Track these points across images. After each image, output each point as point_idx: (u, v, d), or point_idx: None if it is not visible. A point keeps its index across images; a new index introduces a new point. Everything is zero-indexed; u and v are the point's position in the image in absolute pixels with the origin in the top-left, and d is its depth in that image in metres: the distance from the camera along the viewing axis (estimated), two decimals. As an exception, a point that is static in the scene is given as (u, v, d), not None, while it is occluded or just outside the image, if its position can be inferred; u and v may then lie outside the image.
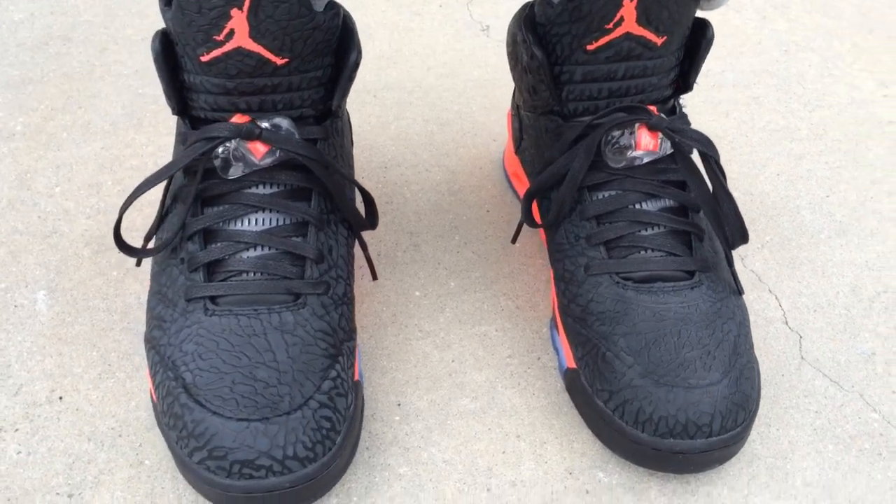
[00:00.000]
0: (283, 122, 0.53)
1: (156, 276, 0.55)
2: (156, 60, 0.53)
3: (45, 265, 0.64)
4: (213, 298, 0.52)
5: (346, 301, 0.54)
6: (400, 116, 0.80)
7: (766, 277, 0.67)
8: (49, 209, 0.68)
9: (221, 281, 0.52)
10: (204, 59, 0.51)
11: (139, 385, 0.56)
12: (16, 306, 0.61)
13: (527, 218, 0.59)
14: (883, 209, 0.74)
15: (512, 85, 0.84)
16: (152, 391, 0.52)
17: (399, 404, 0.57)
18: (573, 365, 0.56)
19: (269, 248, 0.53)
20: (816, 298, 0.66)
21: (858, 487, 0.54)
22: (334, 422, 0.49)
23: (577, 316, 0.56)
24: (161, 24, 0.88)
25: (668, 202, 0.56)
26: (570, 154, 0.56)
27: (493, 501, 0.52)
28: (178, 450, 0.49)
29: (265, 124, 0.53)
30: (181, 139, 0.55)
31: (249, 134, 0.51)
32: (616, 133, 0.55)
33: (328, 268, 0.53)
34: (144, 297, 0.62)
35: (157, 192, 0.69)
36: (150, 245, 0.57)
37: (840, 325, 0.64)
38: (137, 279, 0.63)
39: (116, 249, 0.65)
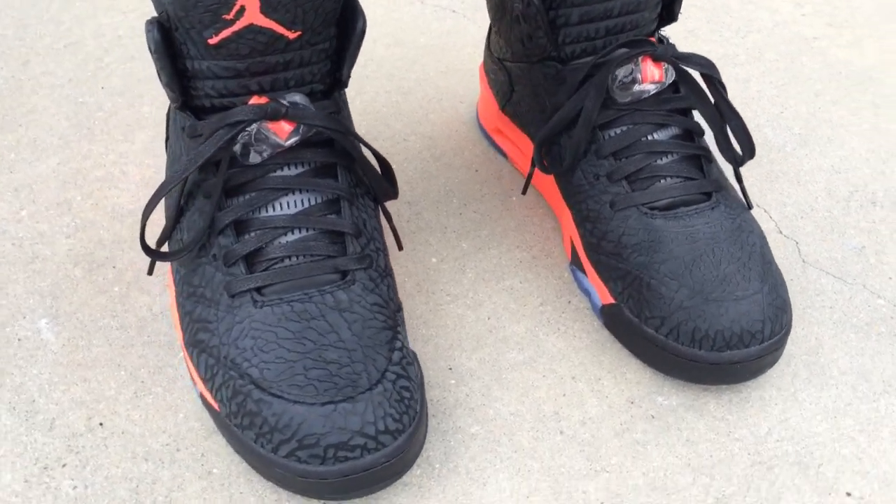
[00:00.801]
0: (299, 99, 0.51)
1: (185, 279, 0.52)
2: (155, 51, 0.50)
3: (37, 292, 0.59)
4: (258, 289, 0.50)
5: (389, 273, 0.53)
6: (361, 91, 0.79)
7: (751, 193, 0.70)
8: (22, 234, 0.63)
9: (264, 270, 0.50)
10: (212, 41, 0.49)
11: (181, 396, 0.54)
12: (20, 339, 0.56)
13: (541, 165, 0.60)
14: (832, 117, 0.79)
15: (465, 45, 0.84)
16: (208, 397, 0.50)
17: (450, 368, 0.56)
18: (610, 300, 0.57)
19: (307, 230, 0.51)
20: (800, 206, 0.70)
21: (888, 367, 0.58)
22: (412, 391, 0.48)
23: (610, 252, 0.57)
24: (81, 26, 0.83)
25: (676, 130, 0.58)
26: (580, 96, 0.57)
27: (569, 442, 0.53)
28: (259, 448, 0.47)
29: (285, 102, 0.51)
30: (189, 132, 0.52)
31: (275, 113, 0.49)
32: (621, 69, 0.56)
33: (367, 241, 0.52)
34: (157, 308, 0.59)
35: (130, 198, 0.66)
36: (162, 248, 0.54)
37: (827, 226, 0.68)
38: (143, 290, 0.60)
39: (110, 265, 0.61)
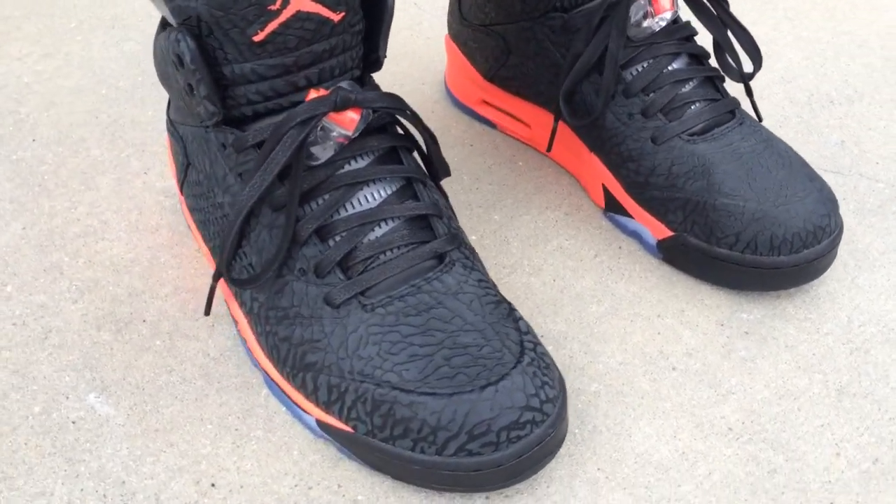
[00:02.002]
0: (347, 86, 0.48)
1: (268, 304, 0.47)
2: (192, 60, 0.45)
3: (69, 368, 0.52)
4: (362, 292, 0.46)
5: (473, 248, 0.51)
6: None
7: (729, 115, 0.73)
8: (19, 312, 0.55)
9: (364, 272, 0.46)
10: (258, 37, 0.44)
11: (286, 433, 0.49)
12: (74, 422, 0.49)
13: (570, 118, 0.59)
14: (758, 34, 0.83)
15: (401, 29, 0.82)
16: (334, 421, 0.46)
17: (542, 336, 0.55)
18: (667, 234, 0.57)
19: (393, 220, 0.47)
20: (773, 118, 0.73)
21: (917, 238, 0.62)
22: (548, 356, 0.46)
23: (662, 186, 0.57)
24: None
25: (687, 57, 0.59)
26: (599, 39, 0.57)
27: (683, 377, 0.52)
28: (418, 455, 0.43)
29: (341, 91, 0.47)
30: (237, 146, 0.47)
31: (345, 102, 0.45)
32: (633, 6, 0.57)
33: (448, 220, 0.50)
34: (213, 351, 0.53)
35: (125, 246, 0.59)
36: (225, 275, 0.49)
37: (804, 130, 0.72)
38: (189, 337, 0.54)
39: (138, 320, 0.54)
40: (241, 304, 0.50)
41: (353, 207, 0.47)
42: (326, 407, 0.46)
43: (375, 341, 0.45)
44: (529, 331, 0.47)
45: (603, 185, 0.62)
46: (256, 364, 0.51)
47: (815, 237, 0.54)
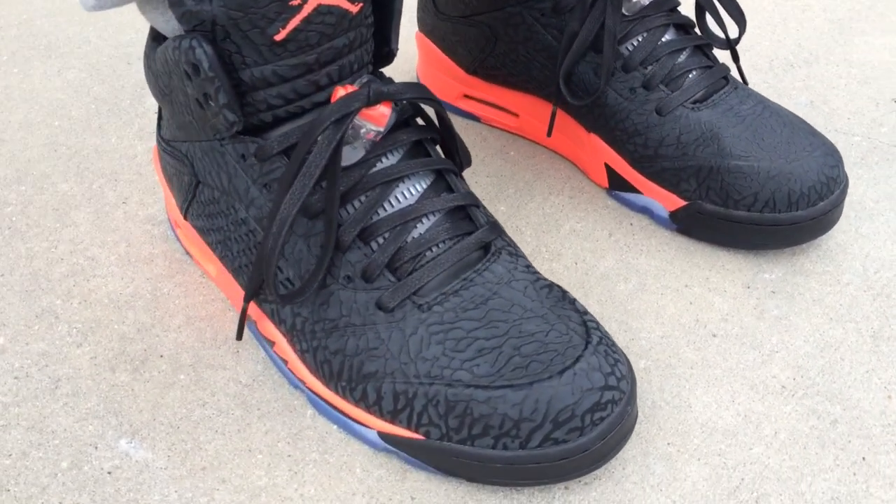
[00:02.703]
0: (368, 80, 0.46)
1: (313, 318, 0.45)
2: (212, 67, 0.42)
3: (91, 416, 0.47)
4: (415, 292, 0.44)
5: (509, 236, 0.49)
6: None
7: (700, 86, 0.74)
8: (18, 364, 0.50)
9: (414, 271, 0.44)
10: (279, 36, 0.42)
11: (344, 451, 0.46)
12: (110, 472, 0.45)
13: (572, 98, 0.59)
14: (711, 8, 0.85)
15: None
16: (401, 430, 0.43)
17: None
18: (680, 204, 0.57)
19: (434, 214, 0.46)
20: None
21: (905, 184, 0.64)
22: (608, 333, 0.45)
23: (672, 156, 0.57)
24: None
25: (675, 27, 0.60)
26: (594, 17, 0.56)
27: (725, 342, 0.52)
28: (500, 452, 0.41)
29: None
30: (260, 155, 0.44)
31: (378, 96, 0.43)
32: (624, -20, 0.57)
33: (481, 209, 0.48)
34: (244, 377, 0.49)
35: (120, 281, 0.55)
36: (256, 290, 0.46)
37: (774, 93, 0.74)
38: (216, 366, 0.50)
39: (154, 356, 0.51)
40: (279, 323, 0.47)
41: (392, 206, 0.45)
42: (392, 416, 0.43)
43: (438, 340, 0.43)
44: (587, 311, 0.45)
45: (606, 164, 0.61)
46: (298, 384, 0.48)
47: (828, 188, 0.55)
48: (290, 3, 0.41)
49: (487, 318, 0.43)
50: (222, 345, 0.51)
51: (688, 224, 0.58)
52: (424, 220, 0.45)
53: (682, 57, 0.58)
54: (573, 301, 0.46)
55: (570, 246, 0.59)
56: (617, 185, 0.61)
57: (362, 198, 0.45)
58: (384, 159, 0.46)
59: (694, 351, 0.52)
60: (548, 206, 0.62)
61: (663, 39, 0.58)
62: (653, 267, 0.57)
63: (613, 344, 0.44)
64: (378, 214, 0.45)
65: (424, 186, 0.46)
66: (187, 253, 0.57)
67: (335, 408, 0.46)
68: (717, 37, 0.62)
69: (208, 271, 0.54)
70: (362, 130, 0.44)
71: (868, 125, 0.70)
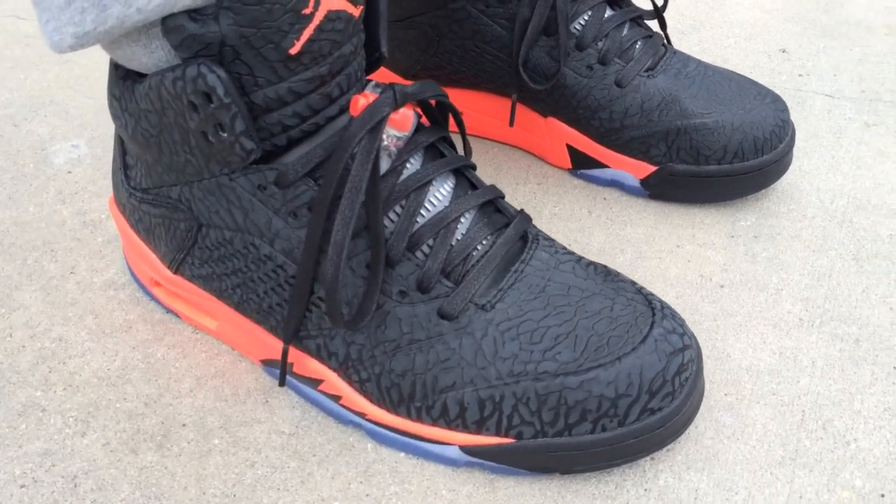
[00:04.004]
0: (386, 85, 0.44)
1: (371, 342, 0.42)
2: (227, 92, 0.38)
3: (127, 503, 0.42)
4: (475, 293, 0.42)
5: (530, 225, 0.49)
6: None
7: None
8: (19, 470, 0.43)
9: (467, 273, 0.42)
10: (294, 49, 0.39)
11: (423, 476, 0.43)
12: (178, 559, 0.40)
13: (533, 83, 0.58)
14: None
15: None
16: (490, 438, 0.41)
17: (594, 296, 0.54)
18: (651, 169, 0.59)
19: (469, 212, 0.44)
20: (712, 43, 0.78)
21: (866, 136, 0.69)
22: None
23: (637, 124, 0.58)
24: None
25: (608, 4, 0.61)
26: (546, 0, 0.57)
27: (733, 290, 0.54)
28: (599, 435, 0.41)
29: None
30: (281, 182, 0.41)
31: (405, 98, 0.41)
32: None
33: (506, 199, 0.47)
34: (288, 427, 0.45)
35: (110, 357, 0.49)
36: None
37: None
38: (253, 422, 0.46)
39: (176, 425, 0.46)
40: (328, 358, 0.43)
41: (429, 211, 0.43)
42: (478, 426, 0.41)
43: (512, 337, 0.41)
44: (633, 280, 0.46)
45: (567, 145, 0.62)
46: (352, 419, 0.45)
47: (783, 131, 0.58)
48: (303, 12, 0.38)
49: (551, 305, 0.42)
50: (247, 398, 0.47)
51: (660, 188, 0.60)
52: (462, 219, 0.44)
53: (626, 30, 0.60)
54: (618, 273, 0.46)
55: (558, 229, 0.59)
56: (581, 163, 0.62)
57: (397, 208, 0.42)
58: (410, 164, 0.43)
59: (710, 304, 0.53)
60: (520, 195, 0.62)
61: (606, 14, 0.60)
62: (641, 234, 0.58)
63: (670, 306, 0.44)
64: (418, 222, 0.42)
65: (451, 186, 0.44)
66: (169, 311, 0.52)
67: (404, 433, 0.43)
68: (639, 8, 0.64)
69: (204, 326, 0.50)
70: (386, 136, 0.42)
71: (769, 75, 0.75)
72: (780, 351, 0.50)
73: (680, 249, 0.57)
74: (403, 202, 0.42)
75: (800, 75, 0.76)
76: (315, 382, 0.45)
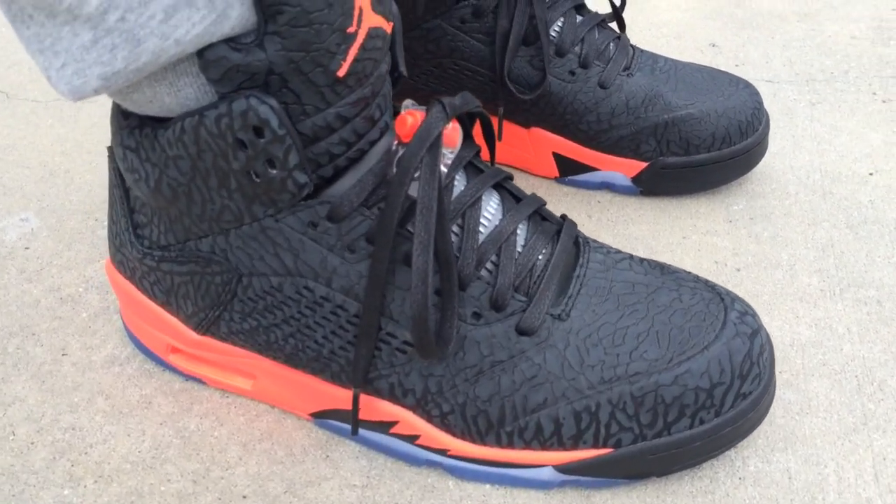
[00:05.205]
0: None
1: (451, 373, 0.40)
2: (282, 124, 0.35)
3: None
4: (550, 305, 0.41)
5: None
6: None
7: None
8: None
9: (536, 287, 0.41)
10: (342, 71, 0.36)
11: (525, 500, 0.41)
12: None
13: (520, 94, 0.58)
14: None
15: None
16: (587, 452, 0.40)
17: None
18: (641, 166, 0.59)
19: (526, 223, 0.43)
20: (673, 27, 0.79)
21: (839, 112, 0.72)
22: None
23: (626, 122, 0.59)
24: None
25: (575, 8, 0.61)
26: (521, 10, 0.56)
27: (749, 271, 0.55)
28: (697, 429, 0.40)
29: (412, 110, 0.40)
30: (335, 216, 0.38)
31: (454, 110, 0.39)
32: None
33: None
34: (358, 479, 0.42)
35: (135, 445, 0.45)
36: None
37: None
38: (316, 480, 0.42)
39: (239, 497, 0.41)
40: (404, 396, 0.40)
41: (485, 227, 0.41)
42: (575, 441, 0.39)
43: (594, 343, 0.40)
44: (686, 269, 0.45)
45: (554, 153, 0.61)
46: (428, 458, 0.42)
47: (761, 113, 0.60)
48: (348, 31, 0.36)
49: (623, 305, 0.41)
50: (304, 457, 0.44)
51: (652, 183, 0.60)
52: (520, 231, 0.42)
53: (596, 33, 0.61)
54: (668, 264, 0.45)
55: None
56: (568, 170, 0.62)
57: (455, 228, 0.40)
58: (457, 179, 0.42)
59: (733, 288, 0.54)
60: (515, 209, 0.61)
61: (577, 20, 0.60)
62: (645, 231, 0.58)
63: (726, 288, 0.44)
64: (477, 240, 0.41)
65: (497, 199, 0.43)
66: (190, 379, 0.47)
67: (491, 462, 0.41)
68: (599, 14, 0.64)
69: (236, 387, 0.46)
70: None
71: (708, 67, 0.78)
72: (814, 323, 0.51)
73: (687, 240, 0.58)
74: (460, 221, 0.41)
75: (736, 66, 0.78)
76: (387, 426, 0.42)
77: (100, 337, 0.51)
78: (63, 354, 0.50)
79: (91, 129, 0.70)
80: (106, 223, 0.60)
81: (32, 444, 0.44)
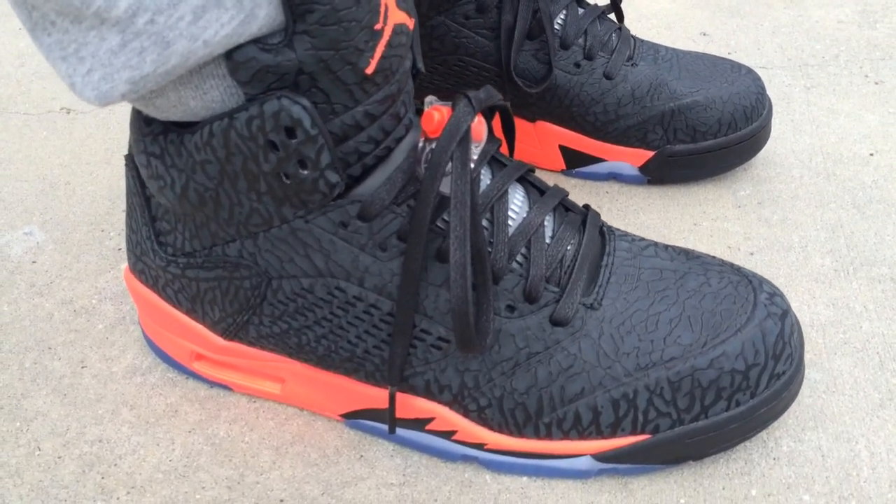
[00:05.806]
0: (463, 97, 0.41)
1: (487, 366, 0.39)
2: (314, 123, 0.35)
3: None
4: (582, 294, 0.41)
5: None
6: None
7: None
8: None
9: (568, 277, 0.41)
10: (370, 69, 0.36)
11: (556, 494, 0.41)
12: None
13: (526, 88, 0.58)
14: None
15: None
16: (626, 439, 0.40)
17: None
18: (649, 155, 0.60)
19: (552, 214, 0.43)
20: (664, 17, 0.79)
21: (831, 93, 0.72)
22: None
23: (633, 112, 0.59)
24: None
25: (575, 1, 0.62)
26: (526, 3, 0.56)
27: (763, 255, 0.55)
28: (734, 411, 0.40)
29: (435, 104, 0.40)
30: (365, 215, 0.38)
31: (480, 103, 0.39)
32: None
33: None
34: (395, 478, 0.42)
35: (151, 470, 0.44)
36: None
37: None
38: (352, 480, 0.42)
39: (277, 502, 0.41)
40: (440, 392, 0.40)
41: (514, 220, 0.41)
42: (613, 429, 0.40)
43: (627, 330, 0.40)
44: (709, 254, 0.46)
45: (560, 145, 0.61)
46: (464, 453, 0.42)
47: (764, 97, 0.61)
48: (376, 27, 0.36)
49: (653, 292, 0.41)
50: (338, 458, 0.43)
51: (659, 172, 0.60)
52: (547, 223, 0.42)
53: (597, 24, 0.61)
54: (692, 249, 0.45)
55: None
56: (575, 162, 0.62)
57: (484, 222, 0.40)
58: (483, 174, 0.42)
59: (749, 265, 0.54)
60: (525, 203, 0.61)
61: (580, 11, 0.60)
62: (656, 219, 0.59)
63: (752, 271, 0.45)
64: (507, 234, 0.41)
65: (522, 192, 0.43)
66: (215, 385, 0.47)
67: (529, 454, 0.41)
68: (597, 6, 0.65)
69: (264, 392, 0.45)
70: (459, 149, 0.40)
71: (702, 56, 0.78)
72: (832, 303, 0.52)
73: (698, 227, 0.58)
74: (489, 215, 0.40)
75: (728, 53, 0.79)
76: (422, 423, 0.42)
77: (118, 347, 0.50)
78: (82, 367, 0.49)
79: (86, 140, 0.69)
80: (112, 234, 0.59)
81: (60, 458, 0.44)
